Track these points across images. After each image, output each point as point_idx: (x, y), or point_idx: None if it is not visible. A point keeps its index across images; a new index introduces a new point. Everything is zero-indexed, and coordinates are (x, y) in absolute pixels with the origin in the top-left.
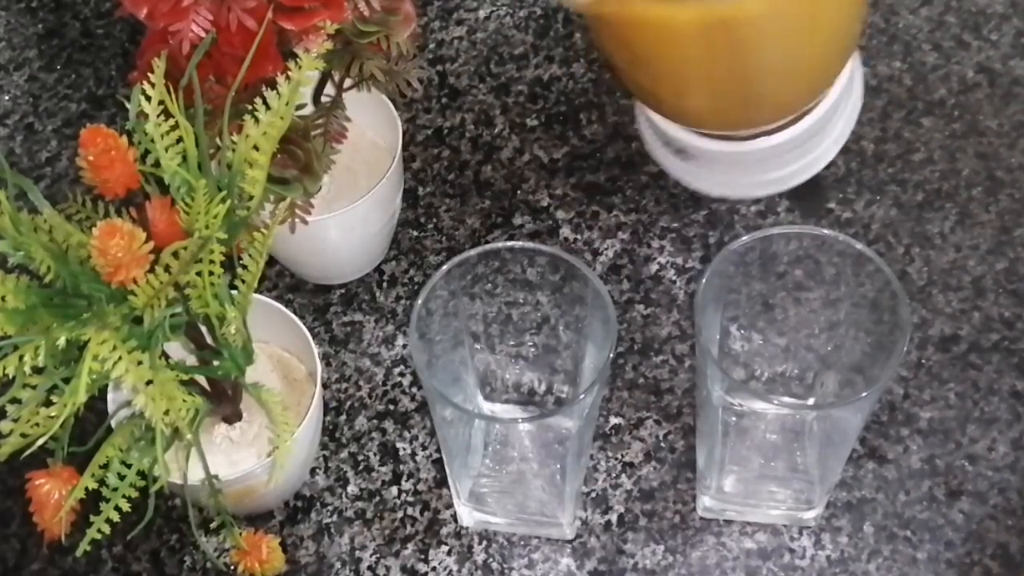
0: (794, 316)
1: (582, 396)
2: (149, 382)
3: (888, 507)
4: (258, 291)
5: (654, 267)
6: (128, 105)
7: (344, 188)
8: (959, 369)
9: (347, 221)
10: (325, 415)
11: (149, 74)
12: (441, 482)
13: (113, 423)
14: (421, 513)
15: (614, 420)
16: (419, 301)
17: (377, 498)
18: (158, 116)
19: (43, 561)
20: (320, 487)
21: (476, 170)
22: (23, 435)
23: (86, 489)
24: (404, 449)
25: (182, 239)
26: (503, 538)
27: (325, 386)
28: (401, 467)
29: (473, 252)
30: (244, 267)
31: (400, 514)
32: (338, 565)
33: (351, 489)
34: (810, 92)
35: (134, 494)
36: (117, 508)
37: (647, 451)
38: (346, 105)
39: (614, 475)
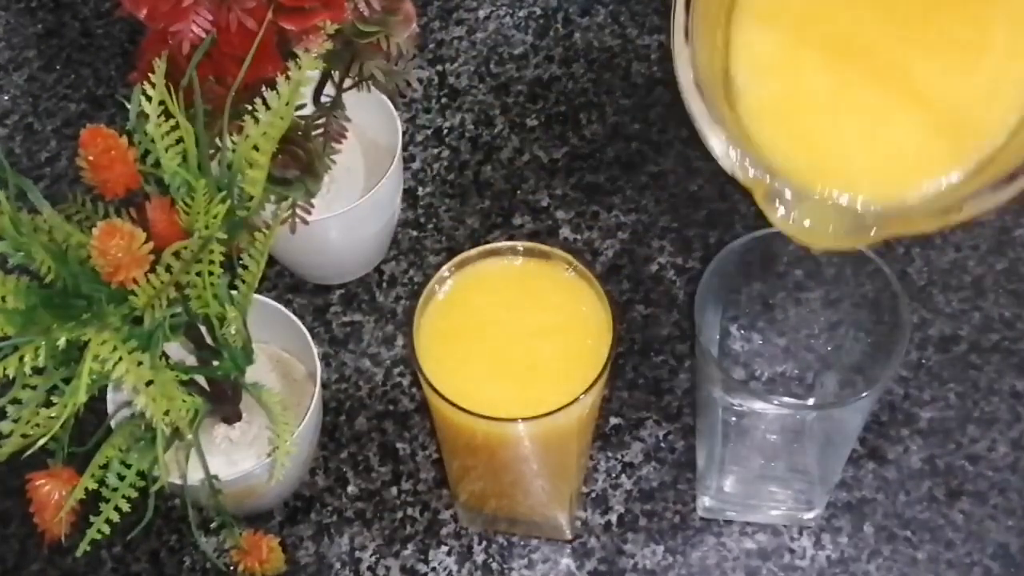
0: (794, 316)
1: (583, 396)
2: (149, 382)
3: (888, 507)
4: (258, 291)
5: (654, 267)
6: (128, 105)
7: (344, 188)
8: (959, 369)
9: (347, 221)
10: (325, 415)
11: (149, 74)
12: (441, 482)
13: (113, 423)
14: (421, 513)
15: (614, 420)
16: (419, 302)
17: (377, 498)
18: (158, 116)
19: (43, 561)
20: (320, 487)
21: (476, 170)
22: (23, 436)
23: (86, 489)
24: (404, 449)
25: (182, 239)
26: (503, 538)
27: (325, 386)
28: (401, 467)
29: (473, 251)
30: (244, 267)
31: (400, 514)
32: (338, 565)
33: (351, 489)
34: None
35: (134, 494)
36: (117, 508)
37: (647, 451)
38: (346, 105)
39: (614, 475)
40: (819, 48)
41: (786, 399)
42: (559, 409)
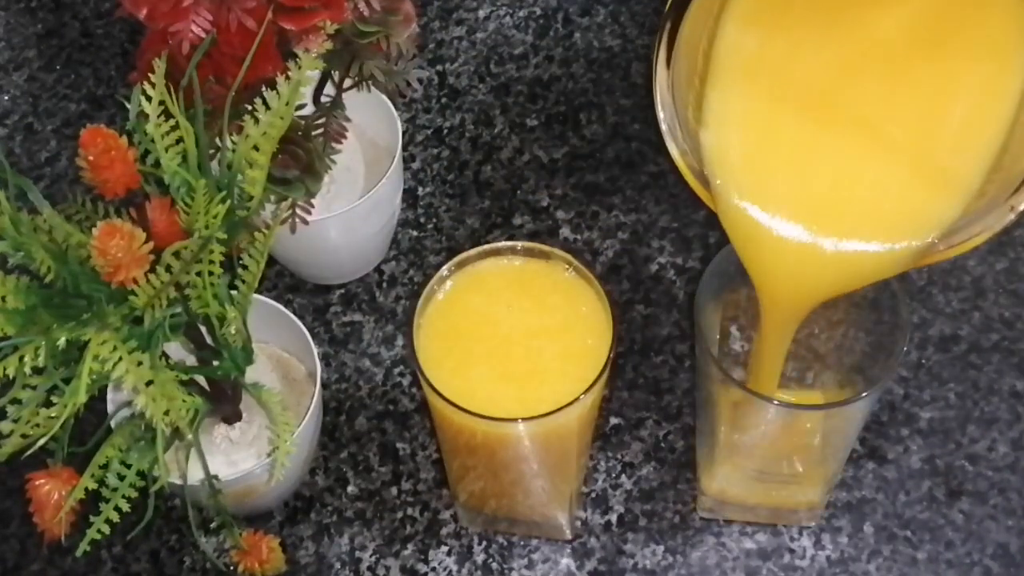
0: None
1: (583, 396)
2: (149, 382)
3: (888, 507)
4: (258, 291)
5: (654, 267)
6: (128, 105)
7: (344, 188)
8: (959, 369)
9: (347, 221)
10: (325, 415)
11: (149, 74)
12: (441, 482)
13: (113, 423)
14: (421, 513)
15: (614, 420)
16: (419, 302)
17: (377, 498)
18: (158, 116)
19: (43, 561)
20: (320, 487)
21: (476, 170)
22: (23, 436)
23: (86, 489)
24: (404, 449)
25: (182, 239)
26: (503, 538)
27: (325, 386)
28: (401, 467)
29: (473, 251)
30: (244, 267)
31: (400, 514)
32: (338, 565)
33: (351, 489)
34: None
35: (134, 494)
36: (117, 508)
37: (647, 451)
38: (346, 105)
39: (614, 475)
40: (792, 106)
41: (786, 399)
42: (559, 409)
